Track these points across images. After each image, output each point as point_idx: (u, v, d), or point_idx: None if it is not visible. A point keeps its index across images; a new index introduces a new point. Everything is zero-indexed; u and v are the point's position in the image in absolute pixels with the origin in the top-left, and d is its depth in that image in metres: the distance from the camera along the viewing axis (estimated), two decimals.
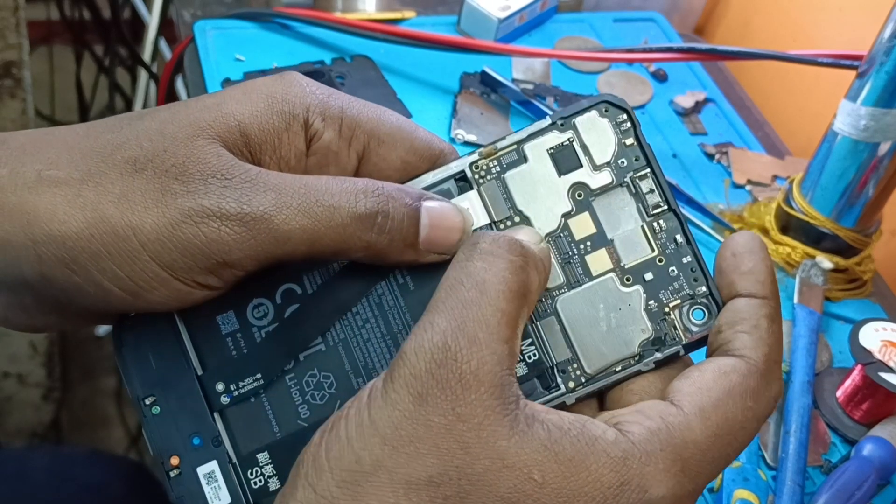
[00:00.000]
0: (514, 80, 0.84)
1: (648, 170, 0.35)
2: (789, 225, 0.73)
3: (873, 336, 0.68)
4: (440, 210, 0.33)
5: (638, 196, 0.35)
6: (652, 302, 0.35)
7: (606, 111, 0.35)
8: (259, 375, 0.33)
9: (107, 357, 1.49)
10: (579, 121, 0.35)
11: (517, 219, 0.35)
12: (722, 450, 0.31)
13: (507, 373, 0.29)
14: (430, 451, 0.28)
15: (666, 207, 0.35)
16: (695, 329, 0.35)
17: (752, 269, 0.34)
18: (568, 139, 0.35)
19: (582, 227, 0.35)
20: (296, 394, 0.33)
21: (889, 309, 0.73)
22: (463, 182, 0.35)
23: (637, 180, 0.35)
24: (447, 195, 0.35)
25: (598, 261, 0.35)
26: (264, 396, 0.33)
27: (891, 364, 0.64)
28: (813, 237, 0.72)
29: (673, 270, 0.35)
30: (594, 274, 0.35)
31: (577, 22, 0.94)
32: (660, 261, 0.35)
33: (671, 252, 0.35)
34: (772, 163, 0.83)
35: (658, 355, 0.34)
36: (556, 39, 0.91)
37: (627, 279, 0.35)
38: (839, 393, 0.64)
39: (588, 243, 0.35)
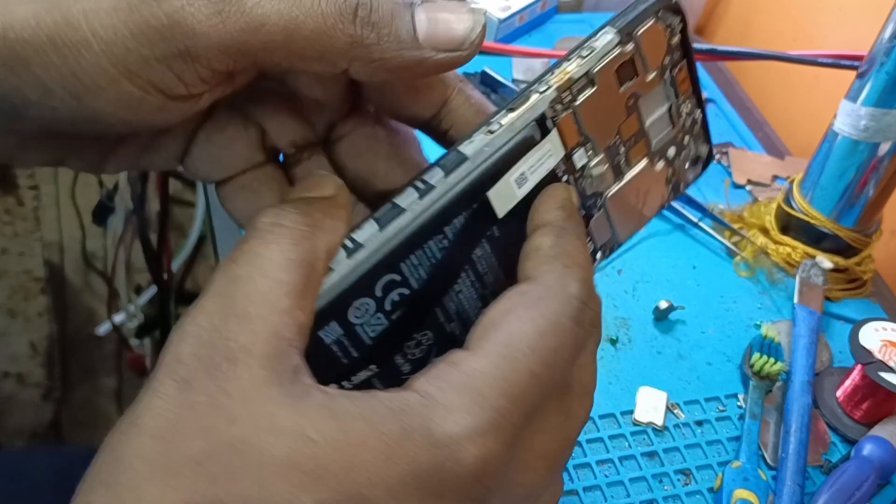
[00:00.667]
0: (514, 81, 0.84)
1: (685, 60, 0.35)
2: (789, 225, 0.73)
3: (873, 336, 0.68)
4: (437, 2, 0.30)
5: (672, 84, 0.35)
6: (670, 171, 0.37)
7: (662, 15, 0.34)
8: (373, 366, 0.32)
9: (107, 357, 1.49)
10: (643, 32, 0.33)
11: (587, 143, 0.34)
12: (518, 366, 0.27)
13: (285, 343, 0.27)
14: (194, 432, 0.25)
15: (692, 91, 0.36)
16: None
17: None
18: (631, 54, 0.34)
19: (630, 128, 0.35)
20: (399, 359, 0.33)
21: (889, 309, 0.73)
22: (542, 123, 0.32)
23: (675, 72, 0.35)
24: (531, 143, 0.32)
25: (638, 152, 0.35)
26: (376, 378, 0.32)
27: (891, 364, 0.64)
28: (813, 237, 0.72)
29: (687, 139, 0.37)
30: (633, 164, 0.35)
31: (578, 22, 0.94)
32: (678, 136, 0.37)
33: (688, 126, 0.37)
34: (772, 163, 0.83)
35: None
36: (557, 40, 0.91)
37: (657, 158, 0.36)
38: (839, 393, 0.64)
39: (632, 139, 0.35)
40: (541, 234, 0.31)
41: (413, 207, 0.30)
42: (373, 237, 0.30)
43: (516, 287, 0.29)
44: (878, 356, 0.66)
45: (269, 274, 0.28)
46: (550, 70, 0.32)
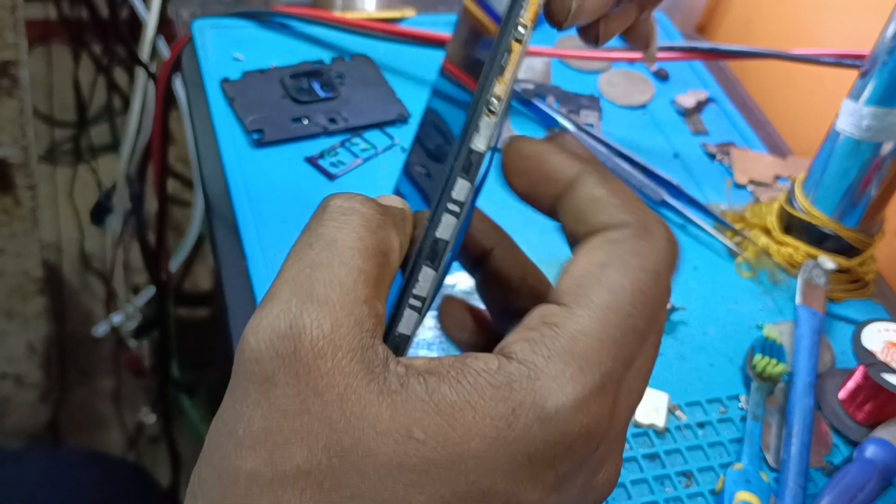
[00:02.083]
0: None
1: None
2: (792, 225, 0.73)
3: (876, 337, 0.68)
4: None
5: None
6: None
7: None
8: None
9: (104, 358, 1.48)
10: None
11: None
12: (623, 324, 0.26)
13: (367, 335, 0.26)
14: (290, 438, 0.24)
15: None
16: None
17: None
18: None
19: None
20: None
21: (892, 309, 0.73)
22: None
23: None
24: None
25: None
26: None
27: (894, 365, 0.64)
28: (815, 237, 0.71)
29: None
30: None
31: None
32: None
33: None
34: (774, 163, 0.83)
35: None
36: (557, 38, 0.90)
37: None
38: (842, 394, 0.64)
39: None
40: (584, 184, 0.29)
41: (455, 234, 0.29)
42: (432, 281, 0.29)
43: (603, 235, 0.28)
44: (881, 357, 0.65)
45: (347, 261, 0.27)
46: (517, 4, 0.29)
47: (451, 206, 0.29)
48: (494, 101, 0.29)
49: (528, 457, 0.25)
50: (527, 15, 0.28)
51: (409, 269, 0.29)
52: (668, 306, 0.66)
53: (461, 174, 0.29)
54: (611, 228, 0.28)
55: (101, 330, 1.44)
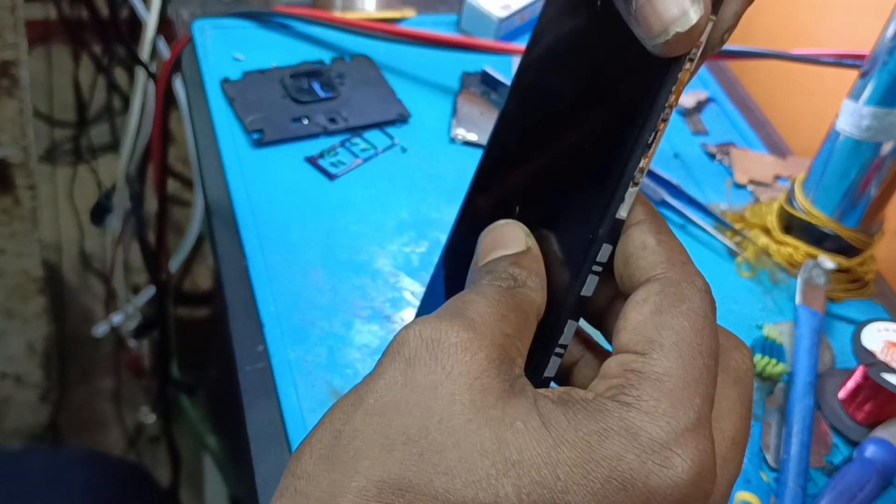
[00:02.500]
0: None
1: None
2: (791, 225, 0.73)
3: (876, 337, 0.68)
4: None
5: None
6: None
7: None
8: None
9: (104, 358, 1.48)
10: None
11: None
12: (693, 359, 0.28)
13: (507, 355, 0.28)
14: (411, 409, 0.26)
15: None
16: None
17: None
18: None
19: None
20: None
21: (892, 309, 0.73)
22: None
23: None
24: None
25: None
26: None
27: (893, 365, 0.64)
28: (815, 237, 0.71)
29: None
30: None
31: None
32: None
33: None
34: (774, 162, 0.83)
35: None
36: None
37: None
38: (841, 394, 0.64)
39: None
40: (639, 231, 0.31)
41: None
42: (573, 331, 0.32)
43: (648, 286, 0.30)
44: (881, 357, 0.65)
45: (493, 307, 0.29)
46: (665, 87, 0.30)
47: (595, 268, 0.31)
48: (639, 174, 0.31)
49: (621, 482, 0.25)
50: (673, 97, 0.30)
51: (552, 322, 0.32)
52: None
53: (607, 240, 0.31)
54: (654, 280, 0.30)
55: (100, 330, 1.44)
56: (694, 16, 0.28)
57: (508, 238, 0.33)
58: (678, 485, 0.25)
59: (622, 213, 0.31)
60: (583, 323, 0.33)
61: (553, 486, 0.25)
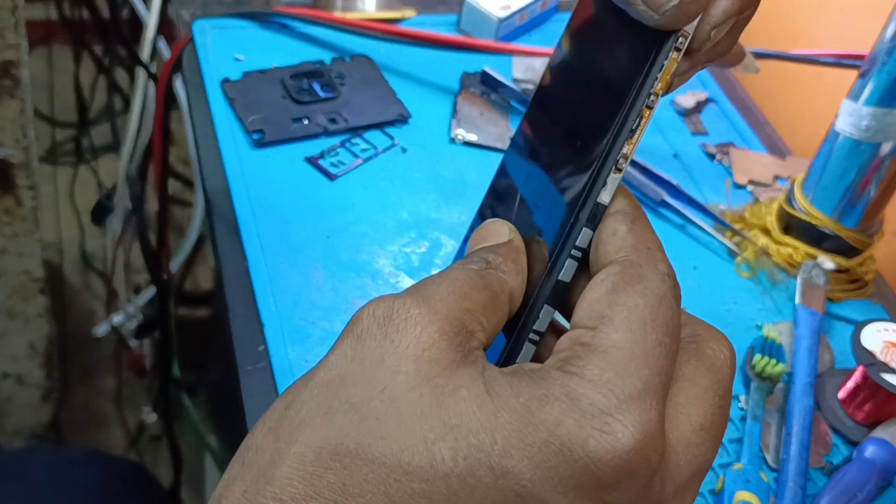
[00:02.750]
0: (514, 80, 0.84)
1: None
2: (791, 225, 0.73)
3: (875, 337, 0.68)
4: None
5: None
6: None
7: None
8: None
9: (106, 358, 1.48)
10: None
11: None
12: (644, 334, 0.28)
13: (465, 329, 0.29)
14: (356, 382, 0.27)
15: None
16: None
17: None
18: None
19: None
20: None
21: (891, 309, 0.73)
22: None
23: None
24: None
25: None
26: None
27: (893, 365, 0.64)
28: (815, 237, 0.71)
29: None
30: None
31: None
32: None
33: None
34: (773, 163, 0.83)
35: None
36: (557, 39, 0.90)
37: None
38: (841, 394, 0.64)
39: None
40: (614, 220, 0.31)
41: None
42: (550, 317, 0.32)
43: (608, 268, 0.30)
44: (881, 357, 0.65)
45: (454, 285, 0.30)
46: (651, 73, 0.31)
47: (574, 252, 0.32)
48: (622, 160, 0.31)
49: (561, 448, 0.25)
50: (659, 84, 0.31)
51: (528, 307, 0.32)
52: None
53: (587, 224, 0.32)
54: (615, 262, 0.30)
55: (101, 330, 1.44)
56: None
57: (492, 233, 0.34)
58: (618, 451, 0.25)
59: (604, 197, 0.31)
60: (561, 319, 0.33)
61: (490, 449, 0.25)
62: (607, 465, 0.25)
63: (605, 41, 0.33)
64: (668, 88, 0.32)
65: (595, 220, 0.31)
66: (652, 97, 0.31)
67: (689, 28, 0.30)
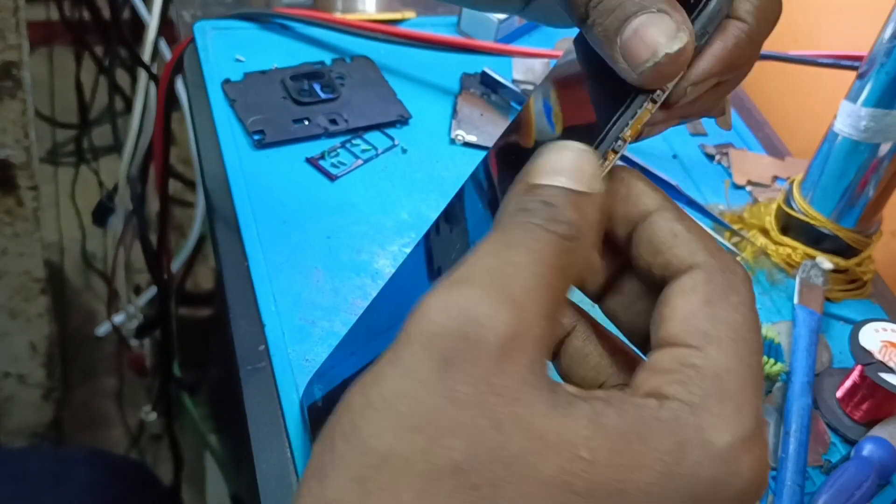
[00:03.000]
0: (514, 81, 0.84)
1: None
2: (789, 225, 0.73)
3: (873, 336, 0.68)
4: (645, 20, 0.30)
5: None
6: None
7: None
8: None
9: (107, 357, 1.49)
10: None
11: None
12: (749, 356, 0.27)
13: (546, 350, 0.25)
14: (456, 430, 0.23)
15: None
16: None
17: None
18: None
19: None
20: None
21: (889, 309, 0.73)
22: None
23: None
24: None
25: None
26: None
27: (891, 364, 0.64)
28: (813, 238, 0.72)
29: None
30: None
31: None
32: None
33: None
34: (772, 164, 0.83)
35: None
36: (557, 40, 0.91)
37: None
38: (839, 393, 0.64)
39: None
40: (664, 219, 0.30)
41: None
42: None
43: (692, 275, 0.29)
44: (878, 357, 0.66)
45: (544, 274, 0.26)
46: (622, 122, 0.31)
47: None
48: (620, 143, 0.31)
49: (696, 498, 0.24)
50: (629, 132, 0.31)
51: None
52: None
53: None
54: (696, 267, 0.29)
55: (102, 329, 1.45)
56: (683, 37, 0.30)
57: (576, 166, 0.28)
58: (742, 492, 0.25)
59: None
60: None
61: None
62: (732, 498, 0.25)
63: (585, 83, 0.34)
64: (638, 137, 0.32)
65: None
66: (619, 142, 0.31)
67: (671, 83, 0.31)
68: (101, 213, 1.40)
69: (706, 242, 0.29)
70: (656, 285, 0.30)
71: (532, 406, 0.24)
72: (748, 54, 0.34)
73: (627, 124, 0.31)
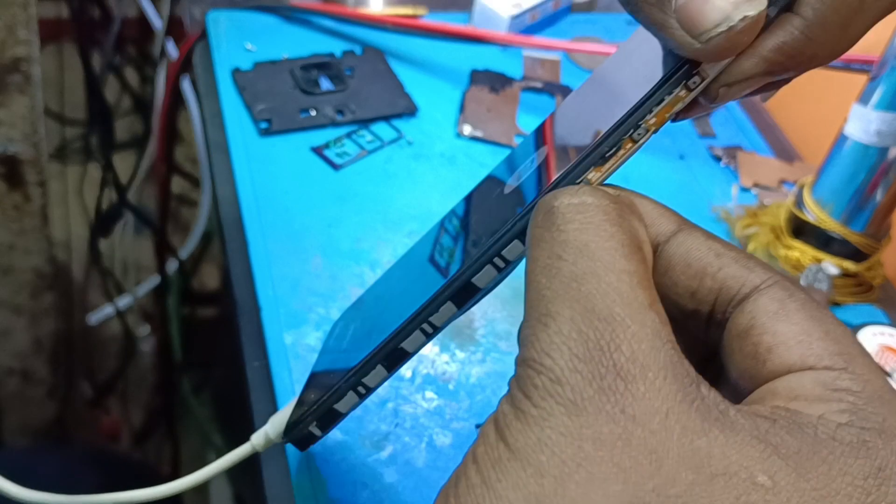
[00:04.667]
0: (523, 78, 0.84)
1: None
2: (799, 229, 0.72)
3: (871, 340, 0.68)
4: None
5: None
6: None
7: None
8: None
9: (111, 356, 1.49)
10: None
11: None
12: (876, 365, 0.25)
13: (669, 346, 0.23)
14: (610, 474, 0.21)
15: None
16: None
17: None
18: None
19: None
20: None
21: (893, 314, 0.73)
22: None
23: None
24: None
25: None
26: None
27: (887, 368, 0.64)
28: (823, 241, 0.71)
29: None
30: None
31: (591, 23, 0.93)
32: None
33: None
34: (780, 167, 0.83)
35: None
36: (569, 38, 0.91)
37: None
38: None
39: None
40: (696, 239, 0.28)
41: (490, 286, 0.31)
42: (451, 317, 0.32)
43: (770, 292, 0.26)
44: (876, 360, 0.65)
45: (610, 265, 0.24)
46: (646, 107, 0.28)
47: (498, 262, 0.30)
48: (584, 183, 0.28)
49: None
50: (653, 120, 0.28)
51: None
52: None
53: (518, 237, 0.29)
54: (767, 286, 0.26)
55: (108, 327, 1.45)
56: (758, 5, 0.25)
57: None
58: None
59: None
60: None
61: None
62: None
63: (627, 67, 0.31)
64: (658, 127, 0.28)
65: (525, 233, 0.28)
66: (640, 129, 0.27)
67: (712, 70, 0.27)
68: (108, 220, 1.41)
69: (749, 257, 0.27)
70: (690, 311, 0.28)
71: (684, 427, 0.22)
72: (807, 54, 0.28)
73: (652, 111, 0.27)
